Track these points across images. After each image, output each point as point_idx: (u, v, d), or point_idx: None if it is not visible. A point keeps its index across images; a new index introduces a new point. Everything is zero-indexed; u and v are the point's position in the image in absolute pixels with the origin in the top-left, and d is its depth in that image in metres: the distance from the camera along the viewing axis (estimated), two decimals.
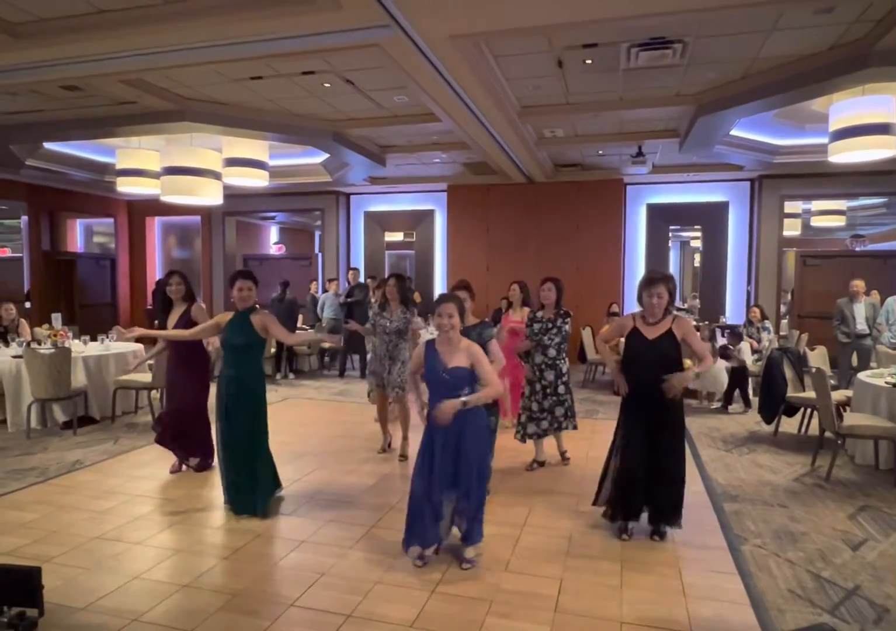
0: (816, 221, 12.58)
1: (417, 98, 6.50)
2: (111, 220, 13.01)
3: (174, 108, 6.98)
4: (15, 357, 6.03)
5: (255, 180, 8.80)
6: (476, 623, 2.68)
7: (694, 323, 8.90)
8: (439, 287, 11.88)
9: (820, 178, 9.81)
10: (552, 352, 4.65)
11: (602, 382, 8.98)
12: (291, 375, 9.23)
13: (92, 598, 2.85)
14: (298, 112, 7.53)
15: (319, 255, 13.12)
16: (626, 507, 3.53)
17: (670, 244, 12.04)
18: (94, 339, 7.06)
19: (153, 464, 4.91)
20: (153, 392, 6.49)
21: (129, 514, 3.88)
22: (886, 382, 4.91)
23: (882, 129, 6.08)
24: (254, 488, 3.84)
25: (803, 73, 5.77)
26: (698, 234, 11.82)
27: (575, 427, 4.85)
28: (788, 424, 6.10)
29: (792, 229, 12.07)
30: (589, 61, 5.74)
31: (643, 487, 3.48)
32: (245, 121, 7.45)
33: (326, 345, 9.83)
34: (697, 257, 13.35)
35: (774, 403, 5.91)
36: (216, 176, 8.77)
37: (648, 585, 3.02)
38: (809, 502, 4.18)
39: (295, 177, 10.63)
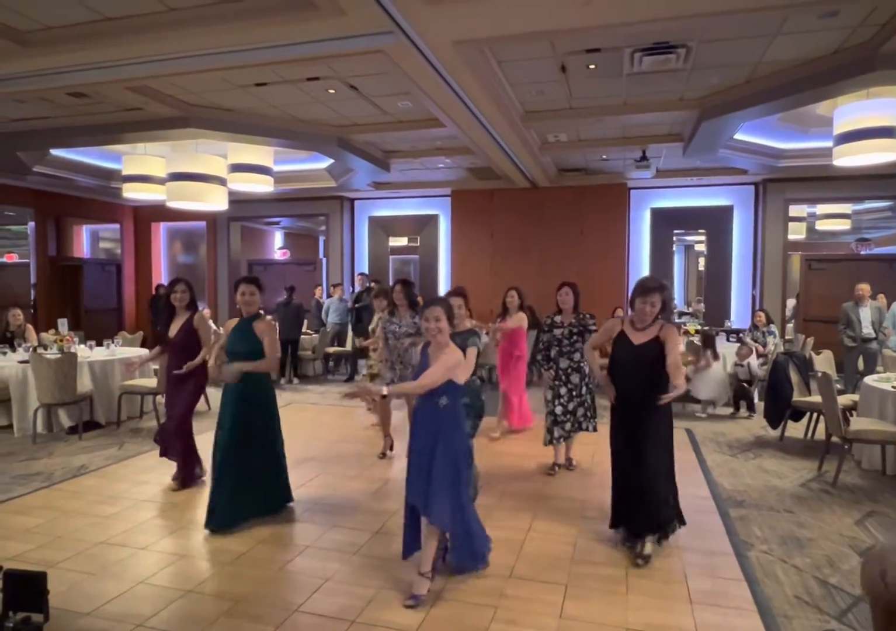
0: (821, 225, 12.55)
1: (421, 104, 6.52)
2: (117, 225, 13.08)
3: (180, 114, 7.03)
4: (21, 362, 6.06)
5: (260, 186, 8.84)
6: (481, 629, 2.67)
7: (697, 328, 8.89)
8: (443, 292, 11.89)
9: (825, 182, 9.78)
10: (577, 356, 4.67)
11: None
12: (296, 380, 9.24)
13: (97, 603, 2.86)
14: (303, 118, 7.57)
15: (324, 260, 13.15)
16: (619, 517, 3.53)
17: (674, 248, 12.02)
18: (99, 344, 7.08)
19: (158, 469, 4.92)
20: (158, 397, 6.50)
21: (134, 519, 3.89)
22: (893, 387, 4.89)
23: (887, 132, 6.07)
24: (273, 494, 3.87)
25: (807, 77, 5.77)
26: (702, 238, 11.79)
27: (595, 429, 4.78)
28: (794, 429, 6.07)
29: (797, 233, 12.04)
30: (592, 66, 5.75)
31: (627, 498, 3.44)
32: (250, 127, 7.48)
33: (331, 350, 9.87)
34: (702, 261, 13.34)
35: (780, 408, 5.88)
36: (221, 182, 8.82)
37: (654, 591, 3.01)
38: (816, 508, 4.15)
39: (299, 182, 10.67)
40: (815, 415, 5.88)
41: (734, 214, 10.76)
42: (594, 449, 5.44)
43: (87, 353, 6.62)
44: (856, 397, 5.61)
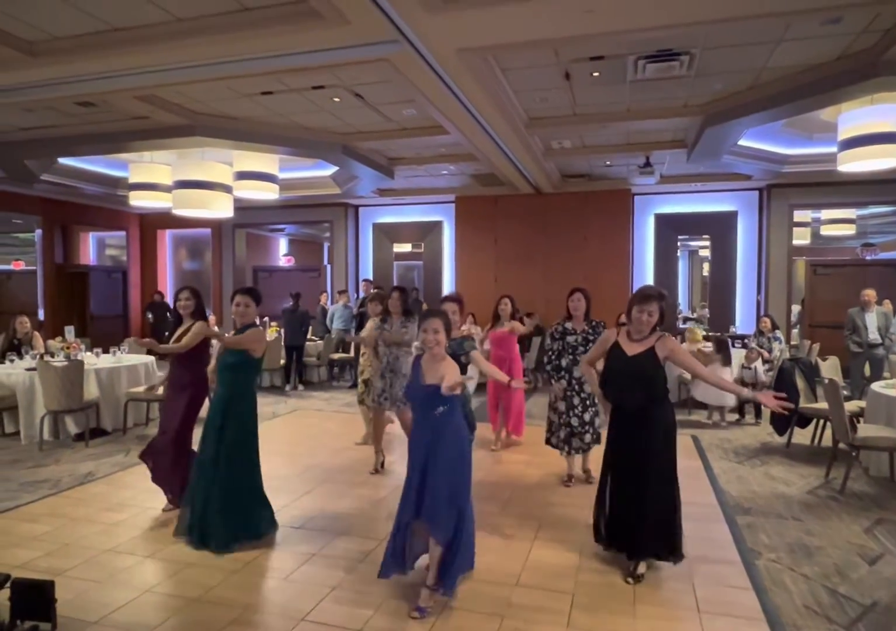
0: (826, 230, 12.53)
1: (426, 111, 6.56)
2: (123, 233, 13.18)
3: (186, 122, 7.09)
4: (28, 369, 6.09)
5: (266, 193, 8.89)
6: None
7: (703, 333, 8.85)
8: None
9: (829, 187, 9.78)
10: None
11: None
12: (301, 387, 9.25)
13: (104, 611, 2.86)
14: (308, 126, 7.61)
15: (328, 266, 13.19)
16: (601, 540, 3.39)
17: (679, 254, 12.02)
18: (106, 351, 7.11)
19: None
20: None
21: (141, 526, 3.90)
22: None
23: (891, 138, 6.07)
24: (218, 521, 3.50)
25: (811, 83, 5.78)
26: (707, 243, 11.79)
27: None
28: (801, 436, 6.04)
29: (801, 238, 12.02)
30: (596, 74, 5.77)
31: (617, 523, 3.27)
32: (255, 135, 7.54)
33: (336, 357, 9.88)
34: (706, 267, 13.32)
35: (787, 415, 5.84)
36: (227, 189, 8.88)
37: (661, 600, 2.99)
38: (824, 515, 4.13)
39: (304, 189, 10.73)
40: (821, 421, 5.86)
41: (738, 220, 10.76)
42: (600, 455, 5.41)
43: (94, 360, 6.65)
44: (862, 403, 5.59)
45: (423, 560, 3.11)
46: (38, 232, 11.43)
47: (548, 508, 4.24)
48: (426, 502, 2.89)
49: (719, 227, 10.86)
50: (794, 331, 11.08)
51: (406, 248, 13.06)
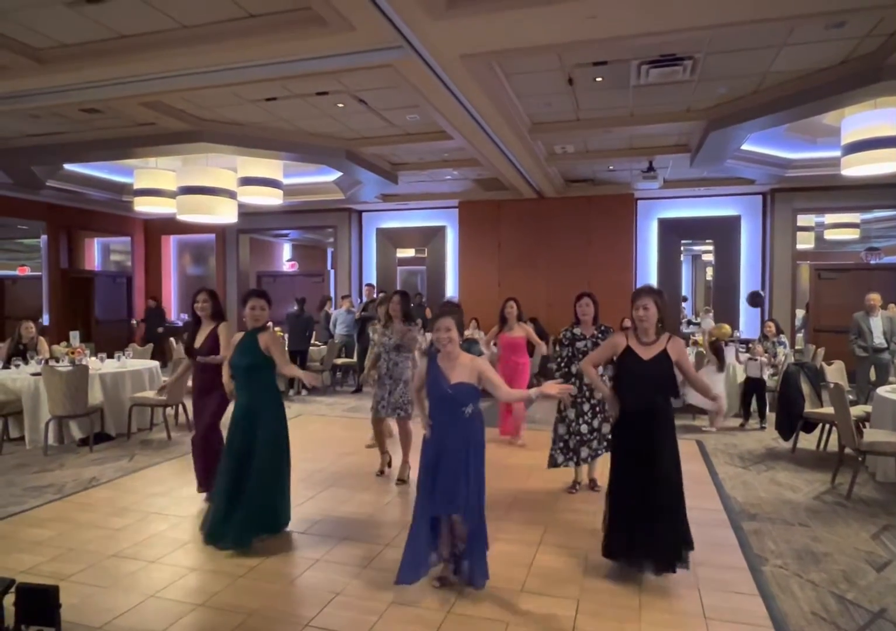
0: (830, 234, 12.52)
1: (429, 116, 6.58)
2: (128, 238, 13.24)
3: (191, 128, 7.12)
4: (33, 375, 6.11)
5: (270, 199, 8.93)
6: None
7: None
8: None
9: (833, 192, 9.77)
10: (600, 369, 4.34)
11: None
12: (304, 392, 9.25)
13: (109, 616, 2.85)
14: (312, 131, 7.65)
15: (332, 271, 13.21)
16: (620, 549, 3.27)
17: (682, 258, 12.00)
18: (110, 356, 7.13)
19: (168, 481, 4.93)
20: (168, 409, 6.53)
21: (145, 531, 3.90)
22: None
23: (894, 142, 6.06)
24: (272, 514, 3.70)
25: (815, 88, 5.78)
26: (710, 248, 11.78)
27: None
28: (807, 441, 6.01)
29: (805, 243, 12.00)
30: (599, 79, 5.79)
31: (639, 525, 3.18)
32: (260, 141, 7.57)
33: (339, 362, 9.89)
34: (710, 271, 13.30)
35: (792, 419, 5.83)
36: (231, 195, 8.91)
37: (667, 606, 2.97)
38: (831, 521, 4.10)
39: (308, 195, 10.77)
40: (827, 426, 5.83)
41: (742, 224, 10.75)
42: (605, 459, 5.40)
43: (98, 365, 6.67)
44: (868, 408, 5.56)
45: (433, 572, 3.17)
46: (44, 238, 11.49)
47: (552, 513, 4.23)
48: (460, 500, 2.98)
49: (723, 232, 10.85)
50: (799, 335, 11.04)
51: (409, 253, 13.08)
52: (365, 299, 9.92)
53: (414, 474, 3.78)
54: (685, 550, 3.18)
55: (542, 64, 5.41)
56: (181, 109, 6.67)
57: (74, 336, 7.31)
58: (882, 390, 5.31)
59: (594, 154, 8.57)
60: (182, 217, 9.02)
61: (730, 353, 7.91)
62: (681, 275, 11.71)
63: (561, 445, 4.55)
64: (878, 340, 7.35)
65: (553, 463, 4.59)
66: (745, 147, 7.90)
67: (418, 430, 3.48)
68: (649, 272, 11.11)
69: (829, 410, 5.39)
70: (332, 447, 6.05)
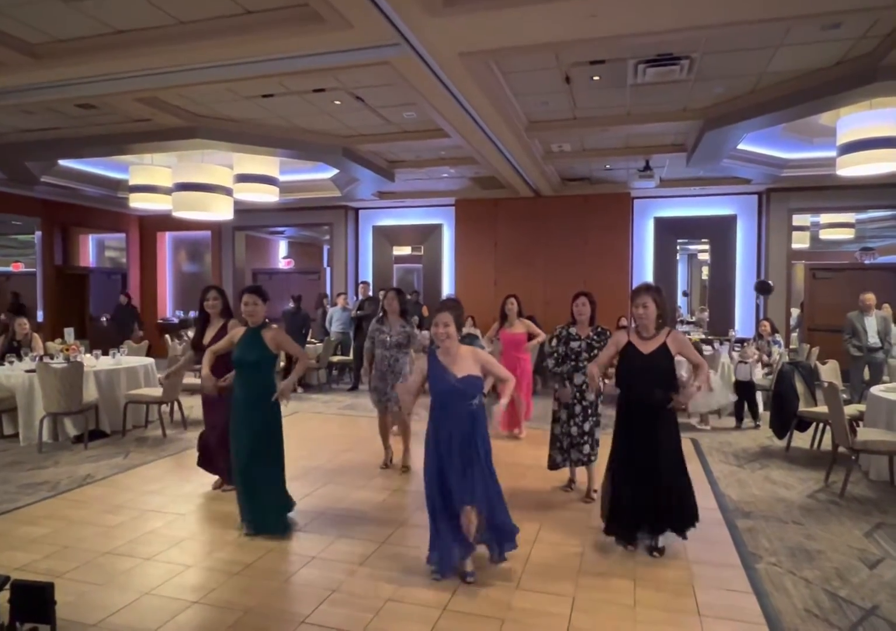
0: (825, 234, 12.57)
1: (426, 114, 6.58)
2: (123, 235, 13.18)
3: (187, 125, 7.10)
4: (28, 371, 6.08)
5: (266, 196, 8.90)
6: None
7: (701, 337, 8.86)
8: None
9: (828, 192, 9.80)
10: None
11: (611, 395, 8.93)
12: (300, 389, 9.24)
13: (104, 614, 2.85)
14: (309, 128, 7.63)
15: (328, 269, 13.20)
16: (620, 528, 3.55)
17: (678, 257, 12.04)
18: (105, 353, 7.11)
19: (163, 478, 4.92)
20: (163, 406, 6.52)
21: (140, 529, 3.89)
22: None
23: (890, 142, 6.09)
24: (265, 508, 3.81)
25: (811, 88, 5.81)
26: (706, 247, 11.81)
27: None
28: (801, 439, 6.04)
29: (800, 242, 12.05)
30: (596, 77, 5.80)
31: (640, 509, 3.45)
32: (256, 137, 7.55)
33: (335, 359, 9.88)
34: (705, 270, 13.34)
35: (786, 418, 5.86)
36: (227, 192, 8.88)
37: (662, 603, 2.98)
38: (824, 519, 4.13)
39: (304, 192, 10.74)
40: (821, 425, 5.86)
41: (738, 224, 10.78)
42: (602, 456, 5.41)
43: (93, 362, 6.64)
44: (862, 407, 5.59)
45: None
46: (38, 234, 11.43)
47: (548, 510, 4.24)
48: (478, 492, 3.08)
49: (719, 231, 10.88)
50: (794, 335, 11.10)
51: (406, 250, 13.07)
52: (360, 297, 9.90)
53: (415, 465, 3.81)
54: (687, 525, 3.46)
55: (539, 62, 5.41)
56: (177, 106, 6.65)
57: (69, 333, 7.28)
58: (876, 389, 5.34)
59: (591, 153, 8.58)
60: (177, 214, 8.99)
61: (724, 352, 7.95)
62: (677, 274, 11.74)
63: (557, 444, 4.54)
64: (873, 339, 7.39)
65: (553, 464, 4.56)
66: (741, 147, 7.92)
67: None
68: (645, 271, 11.13)
69: (823, 409, 5.42)
70: (328, 444, 6.04)
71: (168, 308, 13.66)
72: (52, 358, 6.61)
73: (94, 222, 12.31)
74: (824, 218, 12.18)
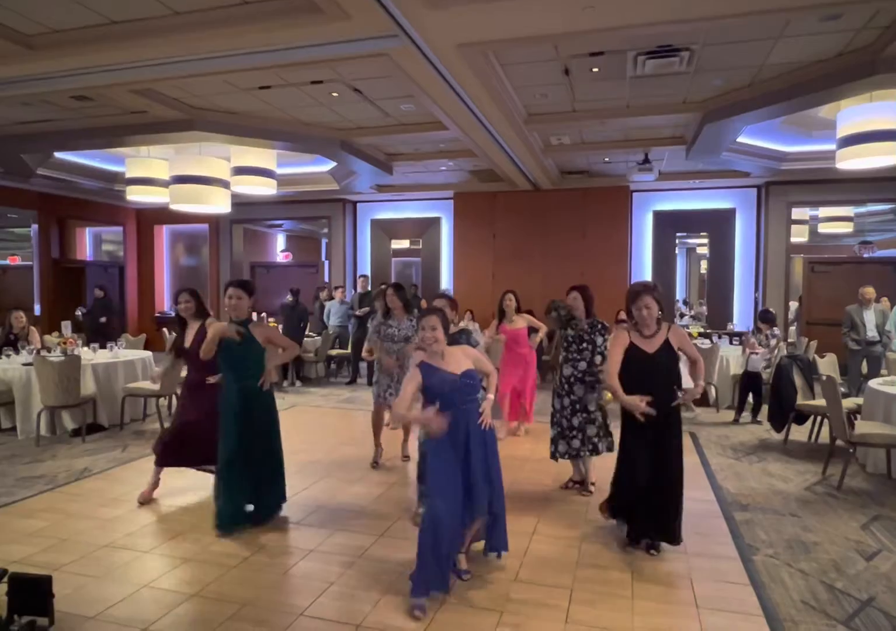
0: (824, 228, 12.56)
1: (424, 107, 6.54)
2: (120, 228, 13.12)
3: (184, 117, 7.05)
4: (25, 365, 6.07)
5: (263, 188, 8.86)
6: None
7: (699, 330, 8.86)
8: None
9: (827, 185, 9.79)
10: (583, 365, 4.31)
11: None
12: (298, 383, 9.24)
13: (102, 607, 2.85)
14: (306, 121, 7.58)
15: (326, 262, 13.17)
16: (630, 527, 3.52)
17: (677, 251, 12.02)
18: (102, 346, 7.09)
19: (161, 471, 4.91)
20: (161, 400, 6.51)
21: (138, 522, 3.89)
22: None
23: (890, 135, 6.07)
24: (276, 493, 3.93)
25: (811, 80, 5.78)
26: (705, 240, 11.80)
27: (610, 449, 4.35)
28: (798, 432, 6.05)
29: (799, 236, 12.04)
30: (596, 69, 5.76)
31: (645, 508, 3.40)
32: (253, 130, 7.50)
33: (333, 353, 9.87)
34: (704, 264, 13.34)
35: (784, 411, 5.88)
36: (224, 184, 8.84)
37: (660, 595, 3.00)
38: (821, 512, 4.14)
39: (302, 185, 10.70)
40: (818, 418, 5.87)
41: (736, 217, 10.76)
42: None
43: (91, 355, 6.63)
44: (860, 401, 5.60)
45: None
46: (34, 227, 11.38)
47: (546, 503, 4.25)
48: (492, 495, 3.05)
49: (717, 225, 10.87)
50: (792, 328, 11.11)
51: (404, 244, 13.04)
52: (359, 291, 9.88)
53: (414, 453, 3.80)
54: (678, 532, 3.41)
55: (538, 54, 5.38)
56: (173, 97, 6.60)
57: (66, 326, 7.25)
58: (874, 383, 5.35)
59: (590, 146, 8.55)
60: (175, 206, 8.94)
61: (723, 345, 7.96)
62: (675, 267, 11.73)
63: (552, 435, 4.53)
64: (871, 333, 7.40)
65: (552, 455, 4.53)
66: (740, 140, 7.90)
67: None
68: (644, 265, 11.12)
69: (821, 402, 5.42)
70: (326, 438, 6.04)
71: (166, 302, 13.62)
72: (49, 351, 6.59)
73: (91, 215, 12.25)
74: (823, 212, 12.17)
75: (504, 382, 5.91)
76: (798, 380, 5.89)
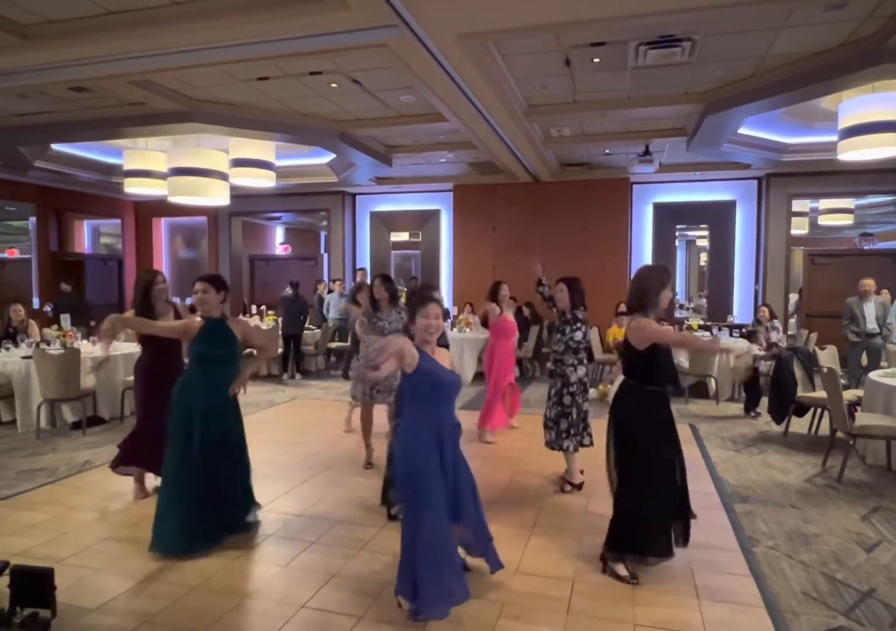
0: (824, 220, 12.51)
1: (424, 98, 6.49)
2: (118, 221, 13.07)
3: (182, 108, 7.00)
4: (24, 358, 6.06)
5: (262, 181, 8.82)
6: (488, 625, 2.67)
7: (699, 322, 8.84)
8: (445, 287, 11.87)
9: (828, 177, 9.75)
10: (556, 357, 4.33)
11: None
12: (298, 376, 9.23)
13: (104, 599, 2.86)
14: (305, 112, 7.54)
15: (325, 255, 13.13)
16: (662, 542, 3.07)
17: (677, 243, 12.00)
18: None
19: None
20: None
21: (139, 514, 3.88)
22: None
23: (892, 126, 6.03)
24: (242, 503, 3.57)
25: (813, 71, 5.74)
26: (705, 233, 11.77)
27: (576, 449, 4.27)
28: (798, 425, 6.06)
29: (799, 228, 12.00)
30: (597, 60, 5.72)
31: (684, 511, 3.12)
32: (252, 121, 7.45)
33: (333, 345, 9.86)
34: (704, 256, 13.31)
35: (784, 404, 5.88)
36: (223, 176, 8.79)
37: (661, 586, 3.00)
38: (822, 503, 4.15)
39: (301, 177, 10.64)
40: (818, 410, 5.88)
41: (737, 209, 10.74)
42: (599, 445, 5.41)
43: (90, 348, 6.61)
44: (860, 393, 5.60)
45: None
46: (32, 220, 11.33)
47: (546, 495, 4.25)
48: (475, 497, 2.87)
49: (718, 217, 10.84)
50: (792, 320, 11.10)
51: (403, 236, 13.00)
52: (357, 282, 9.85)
53: None
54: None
55: (539, 45, 5.33)
56: (172, 89, 6.55)
57: (65, 319, 7.23)
58: (874, 375, 5.35)
59: (590, 137, 8.50)
60: (173, 199, 8.90)
61: (722, 337, 7.95)
62: (675, 260, 11.71)
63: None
64: (871, 325, 7.40)
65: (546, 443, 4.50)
66: (741, 131, 7.86)
67: None
68: (644, 257, 11.10)
69: (821, 394, 5.43)
70: (326, 431, 6.04)
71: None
72: (48, 344, 6.58)
73: (89, 208, 12.20)
74: (823, 203, 12.12)
75: (507, 377, 5.82)
76: (798, 372, 5.89)
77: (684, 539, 3.15)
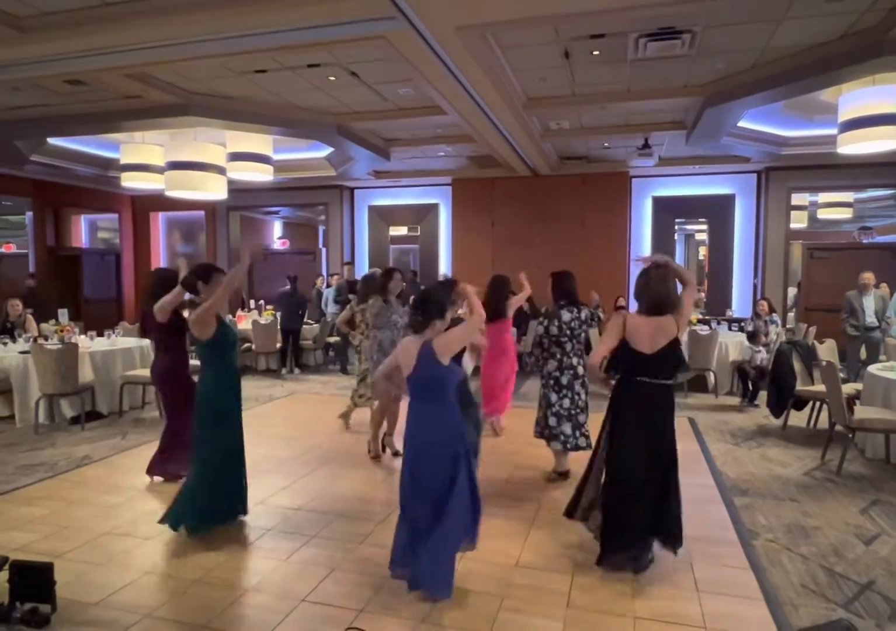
0: (823, 213, 12.51)
1: (423, 91, 6.45)
2: (115, 215, 13.01)
3: (179, 102, 6.95)
4: (22, 353, 6.04)
5: (260, 175, 8.77)
6: (489, 618, 2.67)
7: (698, 317, 8.83)
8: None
9: (828, 170, 9.72)
10: (558, 356, 4.23)
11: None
12: (297, 370, 9.22)
13: (104, 593, 2.85)
14: (303, 106, 7.49)
15: (323, 249, 13.09)
16: (629, 536, 3.05)
17: (676, 237, 11.98)
18: (100, 334, 7.05)
19: None
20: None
21: (139, 508, 3.89)
22: None
23: (892, 119, 6.00)
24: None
25: (813, 63, 5.70)
26: (704, 227, 11.75)
27: (563, 447, 4.23)
28: (797, 418, 6.07)
29: (798, 222, 12.00)
30: (596, 52, 5.68)
31: (647, 508, 3.04)
32: (249, 115, 7.41)
33: (332, 339, 9.84)
34: (703, 250, 13.30)
35: (783, 397, 5.88)
36: (220, 170, 8.74)
37: (660, 579, 3.01)
38: (821, 497, 4.16)
39: (299, 171, 10.60)
40: (817, 404, 5.88)
41: (736, 203, 10.70)
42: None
43: (88, 343, 6.60)
44: (859, 386, 5.61)
45: None
46: (29, 214, 11.28)
47: (546, 489, 4.26)
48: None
49: (717, 211, 10.81)
50: (791, 314, 11.11)
51: (402, 230, 12.97)
52: (346, 278, 9.81)
53: None
54: (680, 533, 3.12)
55: (538, 37, 5.30)
56: (168, 82, 6.50)
57: (63, 314, 7.21)
58: (873, 368, 5.36)
59: (589, 130, 8.47)
60: (170, 193, 8.85)
61: (721, 331, 7.95)
62: (674, 253, 11.69)
63: None
64: (870, 318, 7.40)
65: None
66: (741, 124, 7.82)
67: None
68: (643, 251, 11.06)
69: (820, 387, 5.43)
70: (325, 425, 6.04)
71: None
72: (46, 339, 6.56)
73: (86, 202, 12.14)
74: (823, 197, 12.11)
75: (510, 376, 5.76)
76: (797, 366, 5.89)
77: (636, 565, 3.03)
